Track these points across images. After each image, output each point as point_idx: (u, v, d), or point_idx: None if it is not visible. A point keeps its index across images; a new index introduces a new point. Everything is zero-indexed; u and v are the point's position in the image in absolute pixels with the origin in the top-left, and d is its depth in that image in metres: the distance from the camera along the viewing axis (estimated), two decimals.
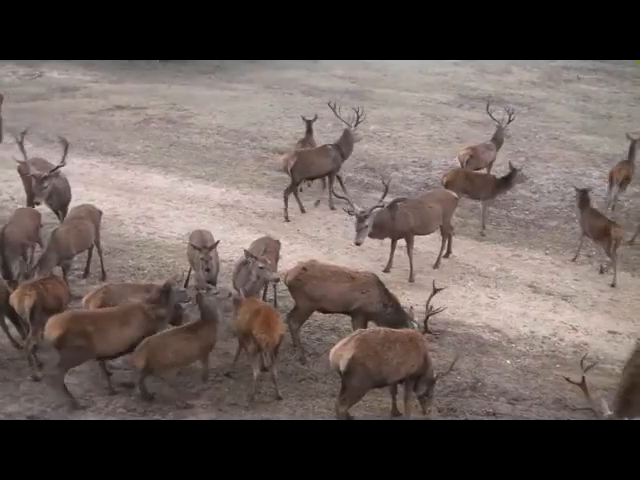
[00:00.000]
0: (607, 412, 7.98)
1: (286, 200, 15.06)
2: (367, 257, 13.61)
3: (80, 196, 15.20)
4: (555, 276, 13.31)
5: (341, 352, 8.62)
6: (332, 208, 15.58)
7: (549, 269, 13.57)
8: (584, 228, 13.60)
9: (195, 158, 18.24)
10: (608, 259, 13.21)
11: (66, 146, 12.71)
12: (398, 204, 12.89)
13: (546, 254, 14.15)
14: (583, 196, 13.67)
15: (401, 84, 25.53)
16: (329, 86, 24.76)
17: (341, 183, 15.82)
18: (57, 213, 13.43)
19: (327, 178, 15.70)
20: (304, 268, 10.40)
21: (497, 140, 16.98)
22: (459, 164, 16.08)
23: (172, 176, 17.11)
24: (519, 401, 9.80)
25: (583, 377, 8.09)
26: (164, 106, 22.38)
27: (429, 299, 9.67)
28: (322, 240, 14.25)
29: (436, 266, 13.39)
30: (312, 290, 10.25)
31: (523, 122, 21.41)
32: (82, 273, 12.39)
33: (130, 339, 9.27)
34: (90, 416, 9.04)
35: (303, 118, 16.85)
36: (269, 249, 11.19)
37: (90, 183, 16.34)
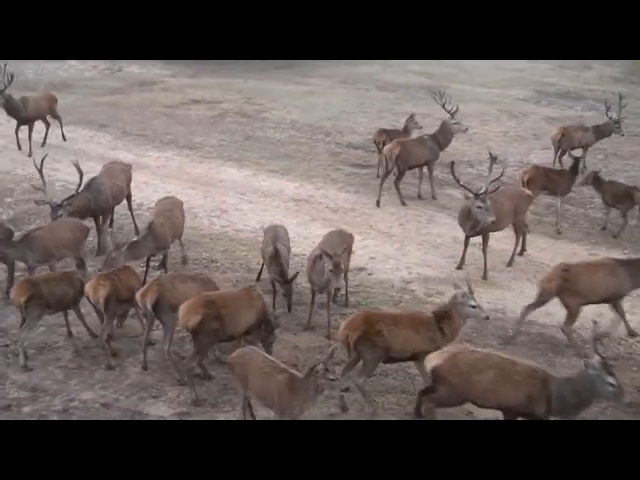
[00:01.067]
0: None
1: (398, 189, 15.47)
2: (440, 254, 13.50)
3: (156, 189, 15.57)
4: None
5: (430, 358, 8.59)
6: (434, 198, 15.82)
7: None
8: (605, 198, 14.72)
9: (269, 152, 18.37)
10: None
11: (80, 173, 12.36)
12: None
13: (624, 254, 13.79)
14: (596, 176, 14.71)
15: (477, 80, 25.27)
16: (404, 82, 24.67)
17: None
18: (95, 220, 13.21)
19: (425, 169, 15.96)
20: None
21: (600, 129, 17.54)
22: (552, 145, 17.20)
23: (246, 170, 17.26)
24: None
25: None
26: (239, 100, 22.63)
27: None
28: (395, 236, 14.19)
29: (510, 264, 13.19)
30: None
31: (603, 118, 20.89)
32: (156, 265, 12.57)
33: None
34: (161, 407, 9.20)
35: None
36: (346, 245, 11.24)
37: (166, 176, 16.62)
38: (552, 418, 8.20)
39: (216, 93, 23.29)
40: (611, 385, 7.97)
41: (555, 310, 11.79)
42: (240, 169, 17.32)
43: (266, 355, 8.68)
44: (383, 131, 16.94)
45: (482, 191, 12.32)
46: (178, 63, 26.76)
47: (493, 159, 13.02)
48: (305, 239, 13.64)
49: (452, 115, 16.00)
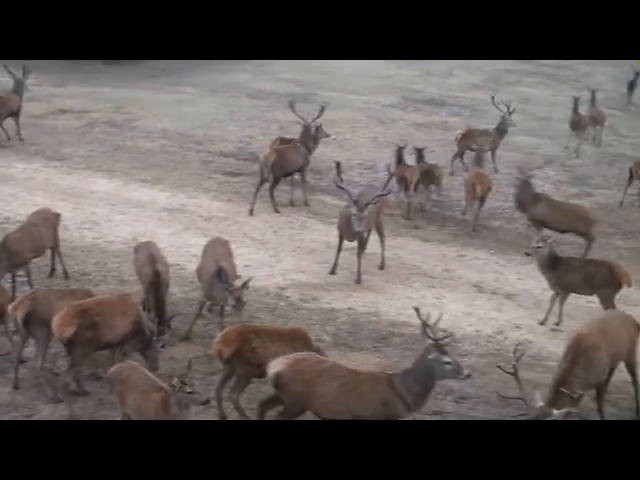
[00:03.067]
0: (539, 403, 8.14)
1: (272, 196, 15.57)
2: (314, 259, 13.67)
3: (24, 201, 15.07)
4: (499, 275, 13.55)
5: (273, 364, 8.32)
6: (307, 204, 15.99)
7: (493, 269, 13.80)
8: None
9: (140, 162, 18.10)
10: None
11: None
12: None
13: (490, 254, 14.39)
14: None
15: (346, 87, 25.70)
16: (274, 89, 24.82)
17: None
18: None
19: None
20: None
21: (499, 129, 18.58)
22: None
23: (117, 180, 16.95)
24: (465, 399, 9.94)
25: (514, 365, 8.25)
26: (108, 109, 22.19)
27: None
28: (268, 243, 14.28)
29: (382, 267, 13.52)
30: None
31: (466, 123, 21.70)
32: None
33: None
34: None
35: None
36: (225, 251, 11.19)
37: (33, 188, 16.10)
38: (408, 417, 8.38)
39: (84, 102, 22.74)
40: (447, 363, 8.19)
41: (426, 311, 12.16)
42: (110, 179, 16.99)
43: (145, 372, 8.55)
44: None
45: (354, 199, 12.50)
46: (44, 71, 25.89)
47: (337, 167, 13.22)
48: (179, 249, 13.55)
49: (315, 123, 16.19)
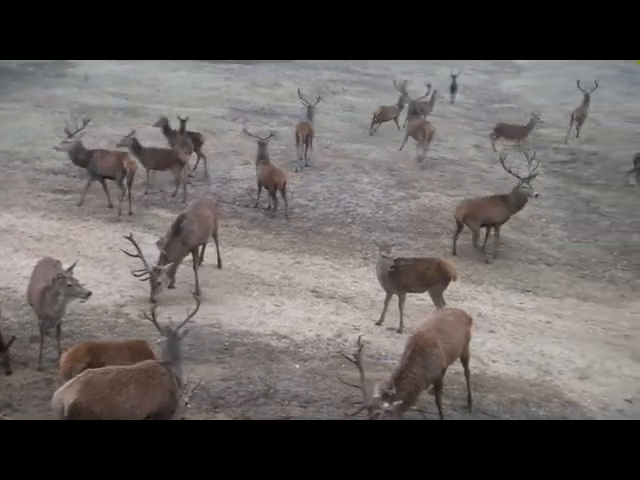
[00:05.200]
0: (376, 394, 8.54)
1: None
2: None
3: None
4: (335, 280, 13.93)
5: (62, 396, 8.04)
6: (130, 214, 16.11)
7: (329, 273, 14.17)
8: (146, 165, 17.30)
9: None
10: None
11: None
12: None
13: (325, 259, 14.76)
14: (136, 144, 17.05)
15: (175, 99, 25.52)
16: (101, 103, 24.27)
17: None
18: None
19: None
20: None
21: (400, 105, 23.59)
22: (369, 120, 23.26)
23: None
24: (310, 403, 10.17)
25: (356, 354, 8.74)
26: None
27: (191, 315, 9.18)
28: (104, 260, 14.02)
29: (220, 265, 13.91)
30: None
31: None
32: None
33: None
34: None
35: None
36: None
37: None
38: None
39: None
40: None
41: (267, 319, 12.38)
42: None
43: None
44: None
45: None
46: None
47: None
48: (9, 271, 13.08)
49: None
